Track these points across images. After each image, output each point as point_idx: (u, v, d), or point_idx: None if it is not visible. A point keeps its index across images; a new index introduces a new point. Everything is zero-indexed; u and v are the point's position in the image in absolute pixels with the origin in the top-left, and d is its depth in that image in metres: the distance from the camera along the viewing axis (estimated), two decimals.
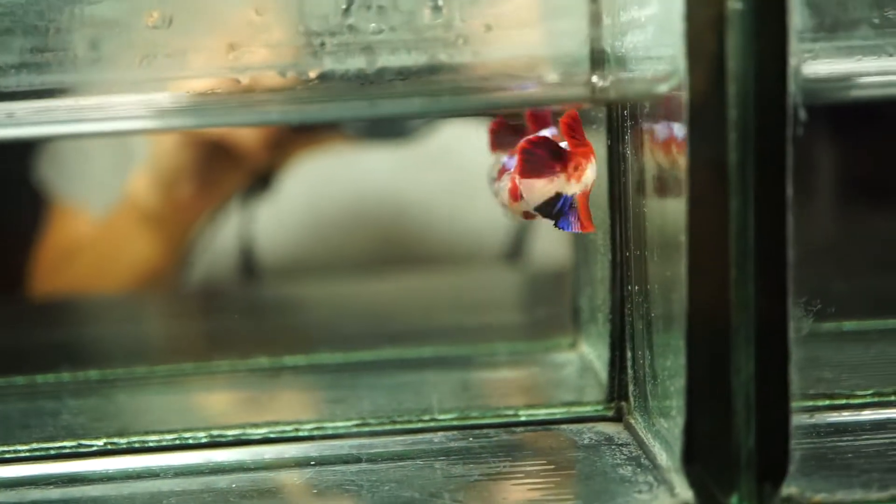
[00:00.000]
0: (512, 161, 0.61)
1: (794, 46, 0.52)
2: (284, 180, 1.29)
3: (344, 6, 0.70)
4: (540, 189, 0.59)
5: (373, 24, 0.70)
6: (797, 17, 0.52)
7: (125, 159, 1.38)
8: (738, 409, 0.53)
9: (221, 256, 1.34)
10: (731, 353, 0.53)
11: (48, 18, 0.71)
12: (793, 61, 0.52)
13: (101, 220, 1.35)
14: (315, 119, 0.73)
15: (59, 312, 1.22)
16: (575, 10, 0.71)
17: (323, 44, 0.70)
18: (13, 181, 1.52)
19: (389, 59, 0.71)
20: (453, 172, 1.31)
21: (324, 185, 1.31)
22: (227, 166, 1.21)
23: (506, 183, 0.62)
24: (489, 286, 1.14)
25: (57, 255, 1.42)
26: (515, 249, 1.33)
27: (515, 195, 0.61)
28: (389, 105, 0.71)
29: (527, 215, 0.62)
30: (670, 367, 0.57)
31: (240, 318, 1.03)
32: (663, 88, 0.56)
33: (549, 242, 1.33)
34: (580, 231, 0.59)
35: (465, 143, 1.29)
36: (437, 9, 0.71)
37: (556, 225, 0.60)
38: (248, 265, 1.33)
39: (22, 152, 1.48)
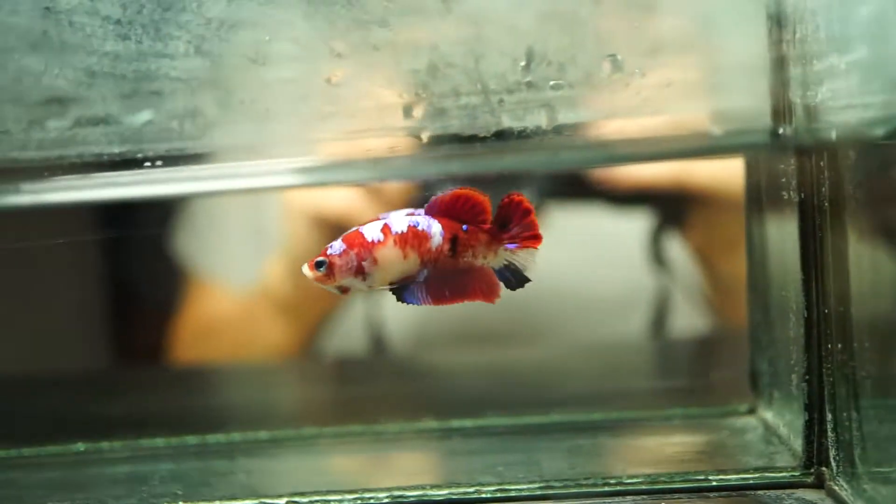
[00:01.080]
0: (338, 243, 0.59)
1: None
2: None
3: (523, 63, 0.70)
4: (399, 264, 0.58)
5: (552, 81, 0.70)
6: None
7: (259, 239, 1.40)
8: None
9: (351, 335, 1.35)
10: None
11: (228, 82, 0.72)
12: None
13: (238, 303, 1.37)
14: (491, 170, 0.73)
15: (211, 378, 1.24)
16: (756, 62, 0.69)
17: (501, 101, 0.70)
18: (155, 255, 1.56)
19: (568, 116, 0.70)
20: (580, 249, 1.29)
21: None
22: None
23: (346, 260, 0.58)
24: (651, 353, 1.11)
25: (195, 330, 1.44)
26: (658, 322, 1.29)
27: (361, 271, 0.59)
28: (568, 156, 0.71)
29: (343, 290, 0.60)
30: (890, 430, 0.54)
31: (397, 383, 1.02)
32: (878, 135, 0.54)
33: (688, 314, 1.30)
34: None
35: (585, 219, 1.26)
36: (616, 63, 0.70)
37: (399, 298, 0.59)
38: (378, 344, 1.33)
39: (162, 229, 1.52)
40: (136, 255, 1.65)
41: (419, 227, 0.58)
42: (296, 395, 1.06)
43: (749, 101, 0.71)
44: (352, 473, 0.76)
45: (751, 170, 0.77)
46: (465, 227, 0.59)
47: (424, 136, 0.70)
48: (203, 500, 0.65)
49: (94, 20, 0.70)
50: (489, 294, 0.59)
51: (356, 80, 0.70)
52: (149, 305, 1.65)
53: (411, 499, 0.65)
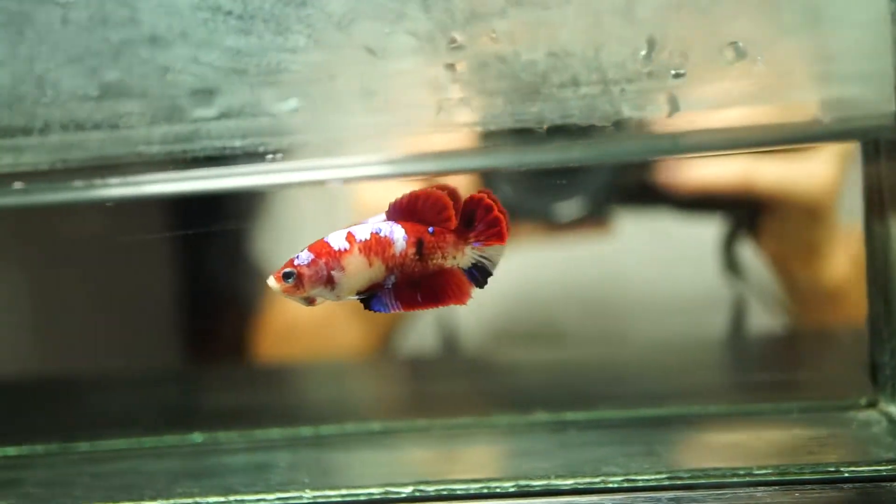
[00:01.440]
0: (305, 253, 0.58)
1: None
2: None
3: (643, 52, 0.70)
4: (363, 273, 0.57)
5: (673, 70, 0.69)
6: None
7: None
8: None
9: (424, 334, 1.35)
10: None
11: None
12: None
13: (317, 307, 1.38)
14: (611, 158, 0.73)
15: (296, 374, 1.25)
16: (878, 45, 0.69)
17: (623, 90, 0.70)
18: (244, 257, 1.58)
19: (688, 104, 0.70)
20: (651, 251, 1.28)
21: (528, 269, 1.30)
22: None
23: (315, 270, 0.57)
24: (756, 347, 1.10)
25: (276, 331, 1.46)
26: (737, 323, 1.28)
27: (330, 281, 0.57)
28: (686, 143, 0.70)
29: (309, 301, 0.58)
30: None
31: (501, 377, 1.02)
32: None
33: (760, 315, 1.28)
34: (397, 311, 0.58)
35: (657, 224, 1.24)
36: (738, 51, 0.69)
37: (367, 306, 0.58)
38: (450, 343, 1.33)
39: (248, 230, 1.54)
40: (231, 256, 1.66)
41: (381, 234, 0.57)
42: (395, 389, 1.06)
43: (872, 86, 0.70)
44: (467, 463, 0.76)
45: (869, 156, 0.76)
46: (431, 229, 0.57)
47: (543, 126, 0.70)
48: (330, 488, 0.66)
49: (217, 16, 0.71)
50: (459, 295, 0.58)
51: (475, 71, 0.71)
52: (236, 304, 1.67)
53: (537, 488, 0.65)
